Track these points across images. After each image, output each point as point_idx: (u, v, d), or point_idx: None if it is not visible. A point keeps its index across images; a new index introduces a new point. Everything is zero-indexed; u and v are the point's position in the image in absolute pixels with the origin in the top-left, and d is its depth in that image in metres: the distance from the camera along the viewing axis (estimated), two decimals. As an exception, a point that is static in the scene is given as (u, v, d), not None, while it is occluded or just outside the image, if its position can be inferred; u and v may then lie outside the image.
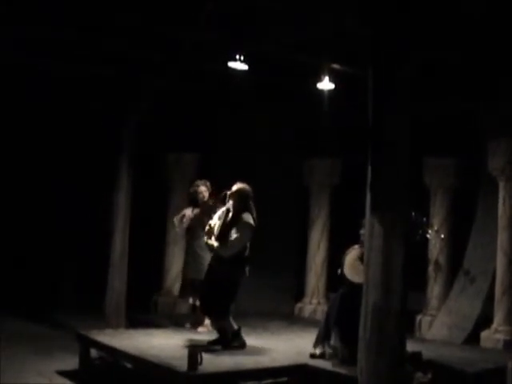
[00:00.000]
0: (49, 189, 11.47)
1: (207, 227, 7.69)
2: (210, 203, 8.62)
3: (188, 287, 8.93)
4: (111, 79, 9.69)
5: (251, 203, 7.60)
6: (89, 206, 11.42)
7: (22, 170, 11.31)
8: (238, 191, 7.59)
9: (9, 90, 10.32)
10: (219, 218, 7.64)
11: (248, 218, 7.49)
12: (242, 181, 7.72)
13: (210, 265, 7.77)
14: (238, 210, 7.52)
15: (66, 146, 11.49)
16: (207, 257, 8.21)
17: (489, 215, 9.43)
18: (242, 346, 7.60)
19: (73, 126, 11.37)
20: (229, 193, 7.61)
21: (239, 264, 7.52)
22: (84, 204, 11.48)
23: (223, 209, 7.68)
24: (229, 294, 7.50)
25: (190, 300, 9.10)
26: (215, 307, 7.55)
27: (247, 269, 7.57)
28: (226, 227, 7.48)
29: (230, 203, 7.58)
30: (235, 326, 7.64)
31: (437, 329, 9.61)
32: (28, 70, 9.82)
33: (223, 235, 7.46)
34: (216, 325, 7.77)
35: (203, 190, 8.94)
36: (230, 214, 7.54)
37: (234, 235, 7.42)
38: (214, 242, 7.52)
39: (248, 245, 7.57)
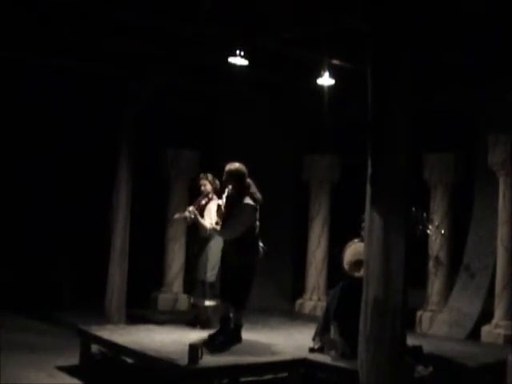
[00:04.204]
0: (49, 188, 11.46)
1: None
2: (203, 202, 8.62)
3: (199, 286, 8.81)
4: (110, 77, 9.69)
5: (248, 181, 7.48)
6: (89, 204, 11.42)
7: (22, 170, 11.31)
8: (230, 173, 7.48)
9: (8, 88, 10.33)
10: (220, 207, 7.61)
11: (247, 200, 7.37)
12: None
13: (224, 251, 7.69)
14: (239, 191, 7.42)
15: (66, 144, 11.48)
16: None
17: (487, 209, 9.43)
18: (238, 341, 7.59)
19: (72, 124, 11.37)
20: (224, 176, 7.53)
21: (249, 247, 7.45)
22: (84, 202, 11.48)
23: (224, 198, 7.62)
24: (246, 280, 7.45)
25: (192, 299, 9.06)
26: (236, 296, 7.48)
27: (259, 251, 7.53)
28: (226, 210, 7.41)
29: (227, 190, 7.48)
30: (242, 320, 7.67)
31: (438, 327, 9.60)
32: (28, 69, 9.85)
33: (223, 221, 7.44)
34: (234, 314, 7.66)
35: (204, 182, 8.91)
36: (224, 201, 7.46)
37: (234, 217, 7.36)
38: (216, 226, 7.51)
39: (257, 225, 7.48)
